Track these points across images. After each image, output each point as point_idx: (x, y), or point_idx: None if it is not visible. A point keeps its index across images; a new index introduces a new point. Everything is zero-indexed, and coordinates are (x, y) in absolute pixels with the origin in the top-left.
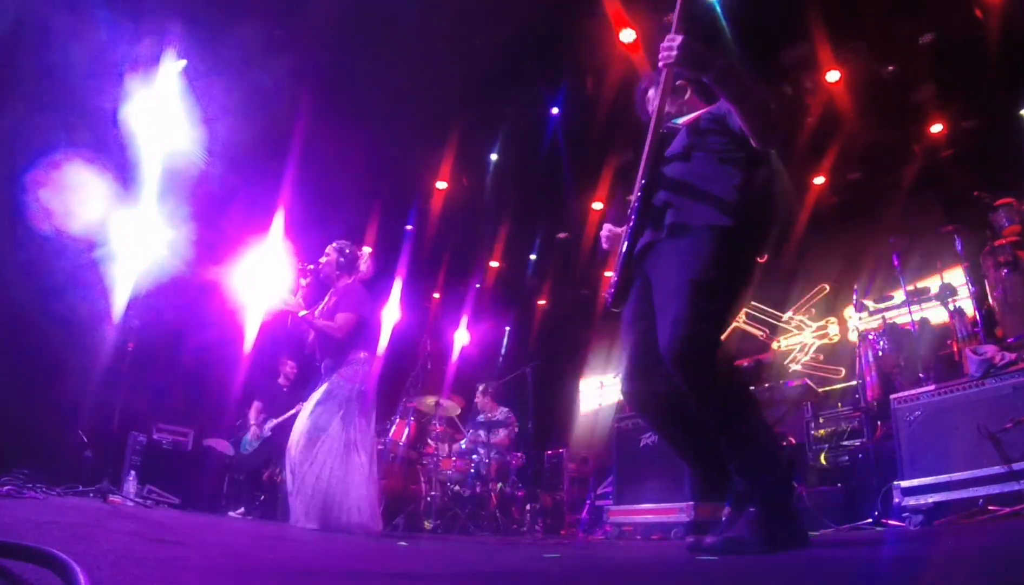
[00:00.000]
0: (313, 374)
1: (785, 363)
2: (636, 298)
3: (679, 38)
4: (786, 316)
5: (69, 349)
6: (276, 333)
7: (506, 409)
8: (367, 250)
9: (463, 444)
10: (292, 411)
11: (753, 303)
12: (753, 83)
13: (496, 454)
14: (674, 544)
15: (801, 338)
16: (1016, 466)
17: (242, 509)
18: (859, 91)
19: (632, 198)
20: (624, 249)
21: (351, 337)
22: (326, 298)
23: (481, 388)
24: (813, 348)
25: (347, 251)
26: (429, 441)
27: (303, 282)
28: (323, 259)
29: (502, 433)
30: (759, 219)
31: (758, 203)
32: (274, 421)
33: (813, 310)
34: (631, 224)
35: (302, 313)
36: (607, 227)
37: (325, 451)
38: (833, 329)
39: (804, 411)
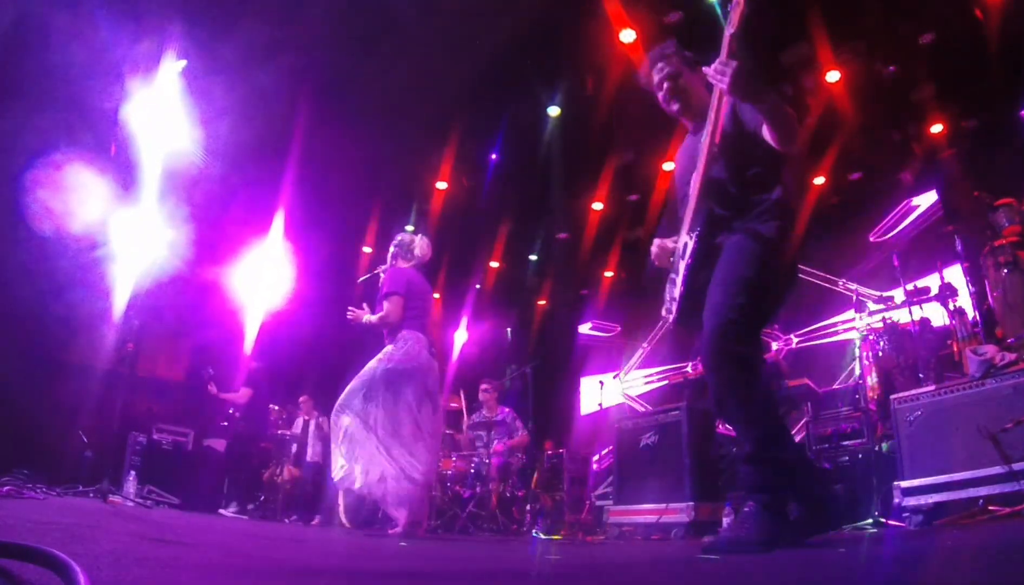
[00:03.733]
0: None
1: None
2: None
3: (733, 64)
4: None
5: (69, 349)
6: (276, 334)
7: (508, 409)
8: (419, 236)
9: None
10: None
11: None
12: (783, 100)
13: (507, 457)
14: (674, 544)
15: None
16: (1016, 466)
17: (234, 506)
18: (859, 91)
19: (688, 215)
20: (686, 265)
21: (401, 317)
22: None
23: (485, 386)
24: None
25: (399, 240)
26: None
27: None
28: (388, 258)
29: (516, 436)
30: (792, 223)
31: (792, 209)
32: None
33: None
34: (694, 247)
35: (365, 319)
36: (658, 242)
37: (351, 432)
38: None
39: (804, 411)
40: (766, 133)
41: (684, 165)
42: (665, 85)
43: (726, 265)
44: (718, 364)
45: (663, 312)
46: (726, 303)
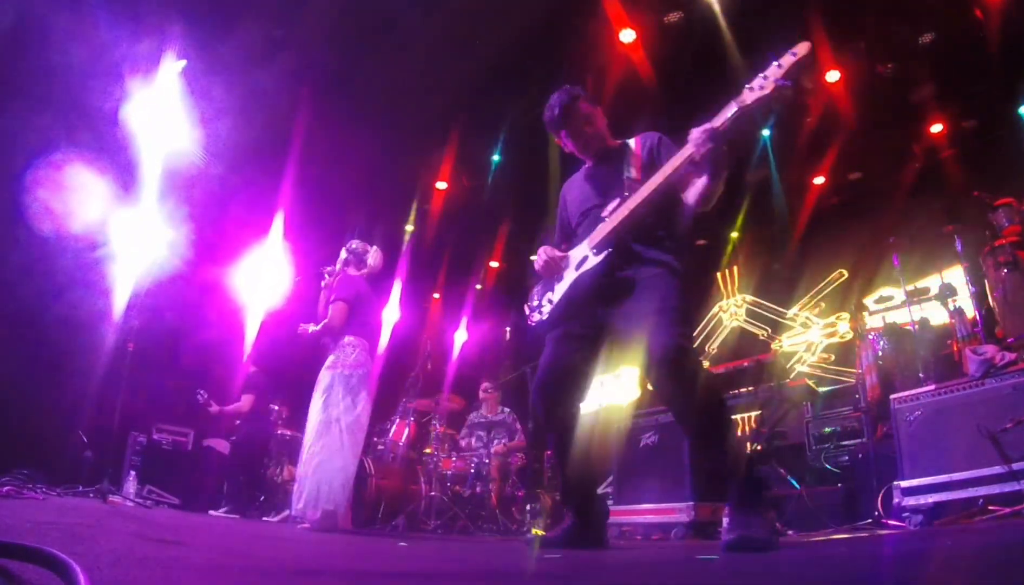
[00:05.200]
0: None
1: (789, 365)
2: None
3: (719, 142)
4: (791, 312)
5: (69, 349)
6: (275, 335)
7: (507, 409)
8: (374, 248)
9: (462, 441)
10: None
11: (756, 300)
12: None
13: (507, 457)
14: (674, 544)
15: (807, 337)
16: (1016, 466)
17: (226, 508)
18: (859, 91)
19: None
20: (581, 276)
21: (344, 323)
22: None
23: (485, 385)
24: (820, 347)
25: (353, 247)
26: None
27: (323, 284)
28: (338, 262)
29: (516, 438)
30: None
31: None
32: None
33: (823, 304)
34: (600, 266)
35: (310, 330)
36: (549, 250)
37: (312, 437)
38: (843, 327)
39: (804, 411)
40: (692, 193)
41: (584, 191)
42: (567, 132)
43: (658, 295)
44: (677, 382)
45: (530, 314)
46: (672, 330)
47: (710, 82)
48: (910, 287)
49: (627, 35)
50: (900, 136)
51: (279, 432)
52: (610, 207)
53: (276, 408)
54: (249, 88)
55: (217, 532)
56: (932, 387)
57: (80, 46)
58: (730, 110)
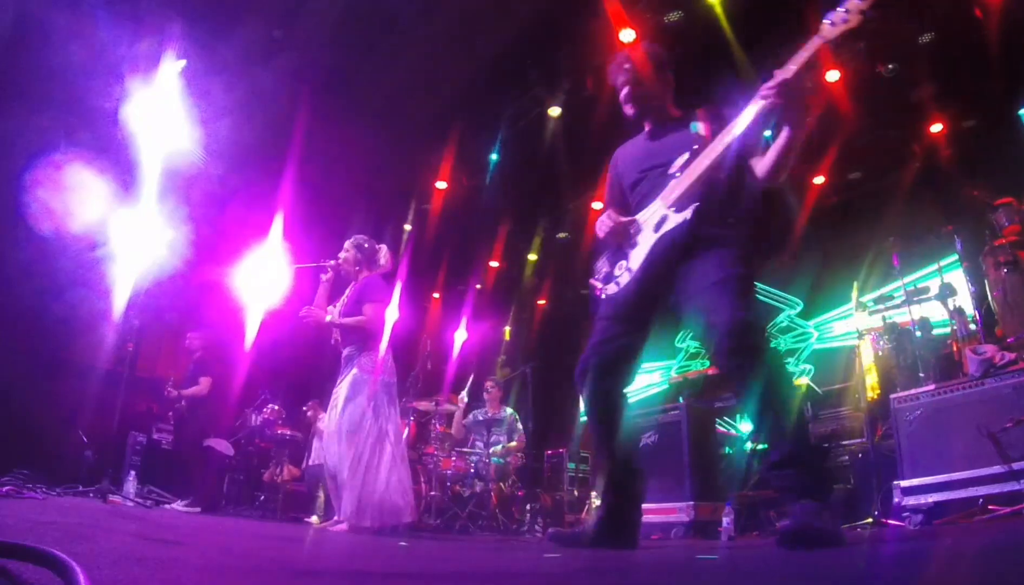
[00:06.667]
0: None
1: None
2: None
3: (803, 81)
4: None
5: (69, 349)
6: (276, 333)
7: (510, 409)
8: (383, 246)
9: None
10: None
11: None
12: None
13: (507, 459)
14: (674, 544)
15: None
16: (1016, 466)
17: (189, 499)
18: (859, 91)
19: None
20: (662, 237)
21: (381, 327)
22: (346, 292)
23: (490, 383)
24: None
25: (365, 245)
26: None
27: (324, 277)
28: (342, 254)
29: (515, 439)
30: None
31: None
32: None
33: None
34: (688, 222)
35: (328, 319)
36: (614, 215)
37: (362, 446)
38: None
39: (804, 411)
40: (762, 165)
41: (644, 151)
42: (625, 89)
43: (718, 262)
44: (741, 359)
45: (603, 286)
46: (735, 303)
47: (710, 82)
48: (910, 287)
49: (627, 35)
50: (900, 136)
51: (279, 432)
52: (679, 163)
53: (276, 407)
54: (249, 88)
55: (217, 532)
56: (932, 387)
57: (80, 46)
58: (812, 46)
